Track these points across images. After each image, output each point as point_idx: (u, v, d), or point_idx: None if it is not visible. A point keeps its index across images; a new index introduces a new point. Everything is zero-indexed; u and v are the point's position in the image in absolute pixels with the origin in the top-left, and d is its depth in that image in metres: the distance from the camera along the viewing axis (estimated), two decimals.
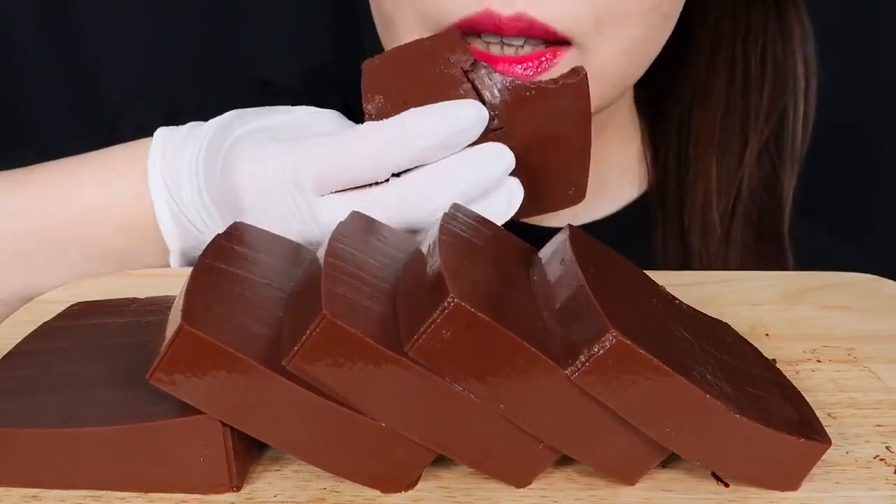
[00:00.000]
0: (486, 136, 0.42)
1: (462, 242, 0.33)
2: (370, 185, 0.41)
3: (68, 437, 0.31)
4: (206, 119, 0.46)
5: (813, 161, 0.64)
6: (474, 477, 0.32)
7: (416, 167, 0.41)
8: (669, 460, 0.32)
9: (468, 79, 0.43)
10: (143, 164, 0.46)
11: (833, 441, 0.31)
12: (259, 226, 0.41)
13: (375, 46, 0.52)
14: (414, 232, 0.41)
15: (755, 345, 0.38)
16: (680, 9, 0.50)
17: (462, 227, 0.35)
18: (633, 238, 0.59)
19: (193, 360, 0.29)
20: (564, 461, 0.32)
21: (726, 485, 0.32)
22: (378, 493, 0.31)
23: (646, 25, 0.47)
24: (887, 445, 0.34)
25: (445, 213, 0.35)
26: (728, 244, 0.58)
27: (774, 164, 0.59)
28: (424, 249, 0.33)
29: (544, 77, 0.45)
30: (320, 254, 0.33)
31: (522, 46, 0.46)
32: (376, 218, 0.39)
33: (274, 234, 0.39)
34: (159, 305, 0.40)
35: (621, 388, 0.29)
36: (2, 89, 0.78)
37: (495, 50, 0.46)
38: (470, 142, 0.41)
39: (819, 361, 0.40)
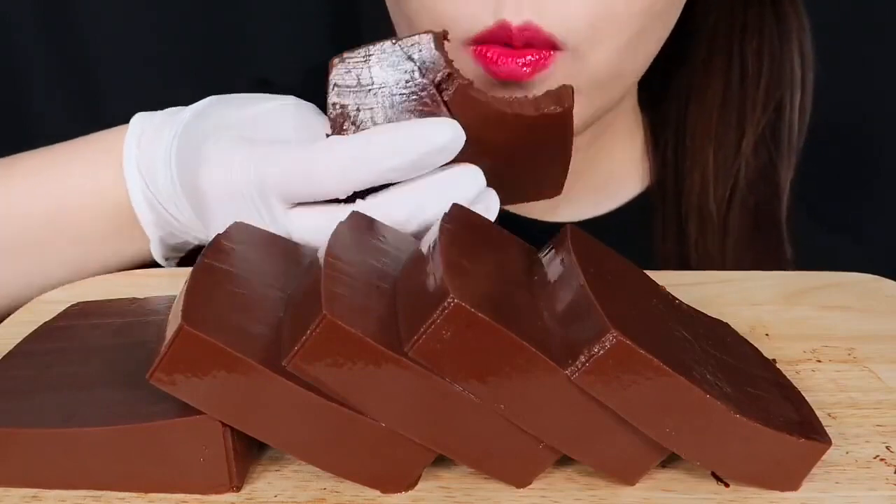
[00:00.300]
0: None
1: (462, 242, 0.33)
2: (338, 200, 0.40)
3: (68, 437, 0.31)
4: None
5: (814, 161, 0.64)
6: (474, 477, 0.32)
7: (386, 187, 0.40)
8: (669, 460, 0.32)
9: (441, 96, 0.41)
10: (120, 151, 0.46)
11: (833, 441, 0.31)
12: (223, 227, 0.41)
13: None
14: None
15: (755, 345, 0.38)
16: (679, 8, 0.50)
17: (462, 228, 0.35)
18: (635, 233, 0.59)
19: (193, 360, 0.29)
20: (564, 461, 0.32)
21: (726, 485, 0.32)
22: (378, 493, 0.31)
23: (637, 27, 0.47)
24: (887, 445, 0.34)
25: (445, 213, 0.35)
26: (725, 233, 0.58)
27: (771, 154, 0.59)
28: (424, 249, 0.33)
29: (538, 78, 0.45)
30: (320, 254, 0.33)
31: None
32: None
33: (274, 235, 0.39)
34: (159, 305, 0.40)
35: (621, 388, 0.29)
36: (2, 89, 0.78)
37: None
38: (443, 163, 0.40)
39: (819, 361, 0.40)
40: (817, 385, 0.38)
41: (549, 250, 0.35)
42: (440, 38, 0.41)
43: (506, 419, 0.30)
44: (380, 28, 0.54)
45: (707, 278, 0.48)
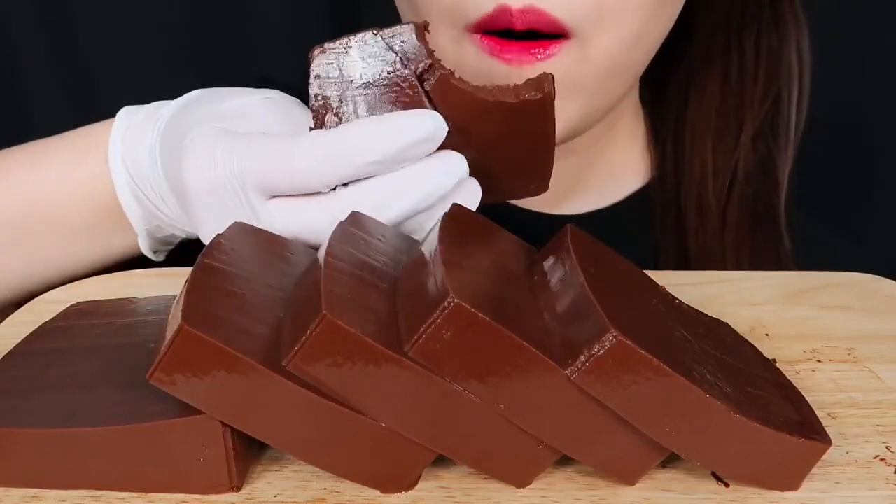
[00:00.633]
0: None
1: (462, 242, 0.33)
2: (317, 193, 0.40)
3: (68, 437, 0.31)
4: None
5: (814, 161, 0.64)
6: (474, 477, 0.32)
7: (366, 178, 0.40)
8: (669, 460, 0.32)
9: (423, 87, 0.40)
10: (105, 145, 0.46)
11: (833, 441, 0.31)
12: (207, 220, 0.41)
13: None
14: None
15: (755, 345, 0.38)
16: (681, 2, 0.51)
17: (462, 227, 0.35)
18: (637, 227, 0.59)
19: (193, 360, 0.29)
20: (564, 461, 0.32)
21: (726, 485, 0.32)
22: (378, 493, 0.31)
23: (645, 16, 0.47)
24: (887, 445, 0.34)
25: (445, 213, 0.35)
26: (724, 225, 0.58)
27: (769, 147, 0.60)
28: (424, 249, 0.33)
29: (545, 64, 0.45)
30: (320, 254, 0.33)
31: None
32: (317, 228, 0.39)
33: (274, 234, 0.39)
34: (159, 305, 0.40)
35: (621, 388, 0.29)
36: (2, 89, 0.78)
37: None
38: (424, 155, 0.40)
39: (819, 361, 0.40)
40: (817, 385, 0.38)
41: (549, 250, 0.35)
42: (421, 28, 0.41)
43: (506, 419, 0.30)
44: (381, 25, 0.54)
45: (707, 278, 0.48)
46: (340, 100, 0.41)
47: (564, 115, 0.48)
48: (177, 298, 0.31)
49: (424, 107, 0.40)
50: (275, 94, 0.46)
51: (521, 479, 0.31)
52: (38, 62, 0.78)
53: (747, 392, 0.32)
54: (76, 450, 0.31)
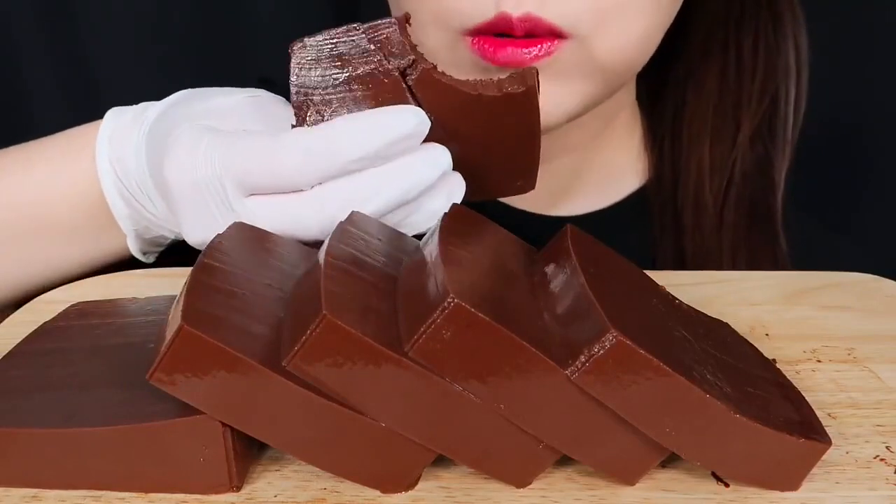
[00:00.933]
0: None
1: (462, 242, 0.33)
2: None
3: (68, 437, 0.31)
4: None
5: (814, 161, 0.64)
6: (474, 477, 0.32)
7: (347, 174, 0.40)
8: (669, 460, 0.32)
9: (405, 82, 0.40)
10: (93, 146, 0.46)
11: (833, 441, 0.31)
12: (189, 218, 0.41)
13: None
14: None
15: (755, 345, 0.38)
16: (679, 1, 0.51)
17: (462, 227, 0.35)
18: (634, 227, 0.59)
19: (193, 360, 0.29)
20: (564, 461, 0.32)
21: (726, 485, 0.32)
22: (378, 493, 0.31)
23: (645, 19, 0.47)
24: (887, 445, 0.34)
25: (445, 213, 0.35)
26: (721, 225, 0.58)
27: (766, 147, 0.60)
28: (424, 249, 0.33)
29: (546, 62, 0.45)
30: (320, 254, 0.33)
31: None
32: (300, 225, 0.39)
33: (274, 234, 0.39)
34: (159, 305, 0.40)
35: (621, 388, 0.29)
36: (2, 89, 0.78)
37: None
38: (407, 152, 0.40)
39: (819, 361, 0.40)
40: (817, 385, 0.38)
41: (549, 250, 0.35)
42: (403, 22, 0.40)
43: (506, 419, 0.30)
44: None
45: (706, 278, 0.48)
46: (322, 96, 0.41)
47: (561, 100, 0.48)
48: (177, 298, 0.31)
49: (407, 102, 0.40)
50: (260, 93, 0.46)
51: (521, 479, 0.31)
52: (38, 62, 0.77)
53: (747, 392, 0.32)
54: (76, 450, 0.31)
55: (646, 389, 0.29)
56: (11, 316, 0.44)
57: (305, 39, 0.40)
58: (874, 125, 0.78)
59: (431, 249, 0.32)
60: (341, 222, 0.36)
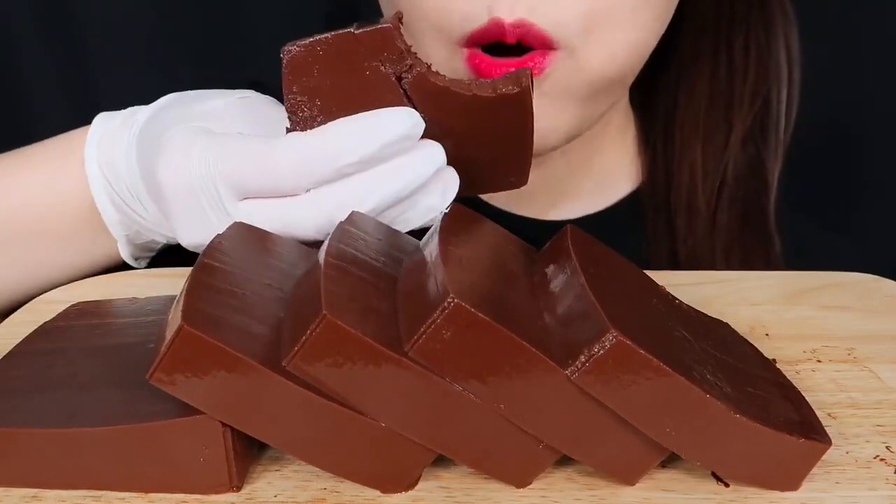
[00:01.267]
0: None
1: (462, 242, 0.33)
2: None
3: (68, 437, 0.31)
4: None
5: (814, 161, 0.64)
6: (474, 477, 0.32)
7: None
8: (669, 460, 0.32)
9: (401, 86, 0.40)
10: (82, 151, 0.46)
11: (833, 441, 0.31)
12: (183, 220, 0.41)
13: None
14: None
15: (755, 345, 0.38)
16: (673, 8, 0.51)
17: (462, 227, 0.35)
18: (628, 231, 0.59)
19: (193, 360, 0.29)
20: (564, 461, 0.32)
21: (726, 485, 0.32)
22: (378, 493, 0.31)
23: (635, 28, 0.47)
24: (887, 445, 0.34)
25: (445, 213, 0.35)
26: (714, 228, 0.58)
27: (759, 148, 0.59)
28: (424, 249, 0.33)
29: (539, 80, 0.46)
30: (320, 254, 0.33)
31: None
32: (296, 228, 0.39)
33: (274, 234, 0.39)
34: (159, 305, 0.40)
35: (621, 388, 0.29)
36: (2, 89, 0.78)
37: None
38: (402, 153, 0.40)
39: (819, 361, 0.40)
40: (817, 385, 0.38)
41: (549, 250, 0.35)
42: (396, 23, 0.40)
43: (506, 419, 0.30)
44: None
45: (706, 278, 0.48)
46: (316, 99, 0.40)
47: (558, 123, 0.48)
48: (177, 298, 0.31)
49: (402, 104, 0.40)
50: (251, 94, 0.46)
51: (521, 479, 0.31)
52: (38, 62, 0.77)
53: (747, 392, 0.32)
54: (76, 450, 0.31)
55: (646, 389, 0.29)
56: (11, 316, 0.44)
57: (298, 42, 0.40)
58: (874, 125, 0.78)
59: (431, 249, 0.32)
60: (341, 222, 0.36)
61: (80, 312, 0.41)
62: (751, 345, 0.38)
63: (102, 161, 0.45)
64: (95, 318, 0.40)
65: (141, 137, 0.44)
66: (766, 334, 0.42)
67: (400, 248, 0.36)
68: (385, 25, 0.40)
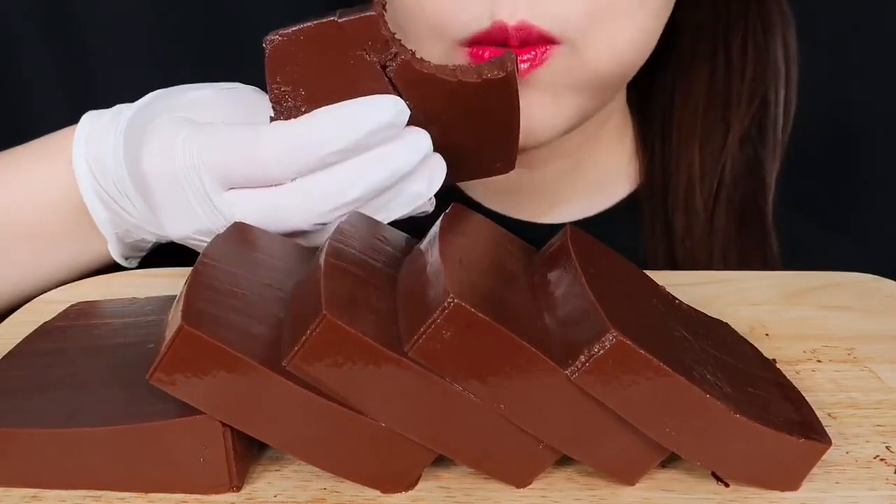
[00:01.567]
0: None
1: (462, 243, 0.33)
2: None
3: (68, 437, 0.31)
4: None
5: (814, 161, 0.64)
6: (474, 477, 0.32)
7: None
8: (669, 460, 0.32)
9: (385, 74, 0.40)
10: (70, 149, 0.46)
11: (833, 441, 0.31)
12: (169, 212, 0.41)
13: None
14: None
15: (755, 345, 0.38)
16: (672, 3, 0.51)
17: (462, 227, 0.35)
18: (626, 233, 0.59)
19: (193, 360, 0.29)
20: (564, 461, 0.32)
21: (726, 485, 0.32)
22: (378, 493, 0.31)
23: (637, 24, 0.47)
24: (887, 445, 0.34)
25: (445, 213, 0.35)
26: (712, 229, 0.58)
27: (757, 149, 0.59)
28: (424, 249, 0.33)
29: (541, 71, 0.46)
30: (320, 254, 0.33)
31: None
32: (282, 217, 0.39)
33: (274, 234, 0.39)
34: (159, 305, 0.40)
35: (621, 388, 0.29)
36: (2, 89, 0.78)
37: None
38: (387, 140, 0.40)
39: (819, 361, 0.40)
40: (817, 385, 0.38)
41: (549, 250, 0.35)
42: (381, 11, 0.40)
43: (506, 419, 0.30)
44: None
45: (706, 278, 0.48)
46: (300, 88, 0.40)
47: (556, 115, 0.48)
48: (177, 298, 0.31)
49: (387, 92, 0.40)
50: (236, 85, 0.46)
51: (521, 479, 0.31)
52: (38, 62, 0.77)
53: (747, 392, 0.32)
54: (76, 450, 0.31)
55: (646, 389, 0.29)
56: (11, 316, 0.44)
57: (280, 32, 0.40)
58: (874, 125, 0.78)
59: (431, 249, 0.32)
60: (341, 222, 0.36)
61: (80, 312, 0.41)
62: (751, 345, 0.38)
63: (90, 158, 0.45)
64: (95, 318, 0.40)
65: (128, 130, 0.44)
66: (766, 334, 0.42)
67: (400, 248, 0.36)
68: (369, 14, 0.39)
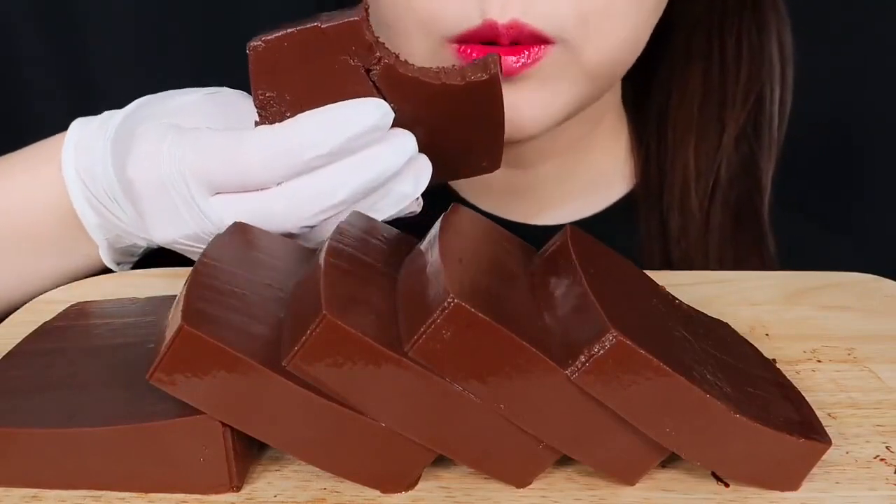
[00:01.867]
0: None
1: (462, 243, 0.33)
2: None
3: (68, 437, 0.31)
4: None
5: (813, 160, 0.64)
6: (474, 477, 0.32)
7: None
8: (669, 460, 0.32)
9: (370, 77, 0.40)
10: (59, 156, 0.46)
11: (833, 441, 0.31)
12: (156, 217, 0.41)
13: None
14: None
15: (755, 345, 0.38)
16: (664, 2, 0.51)
17: (462, 228, 0.35)
18: (622, 234, 0.59)
19: (193, 360, 0.29)
20: (564, 461, 0.32)
21: (726, 485, 0.32)
22: (378, 493, 0.31)
23: (630, 21, 0.47)
24: (887, 445, 0.34)
25: (445, 213, 0.35)
26: (707, 228, 0.58)
27: (752, 148, 0.59)
28: (424, 249, 0.33)
29: (534, 69, 0.46)
30: (320, 254, 0.33)
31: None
32: (269, 222, 0.39)
33: (274, 234, 0.39)
34: (159, 305, 0.40)
35: (621, 388, 0.29)
36: (2, 89, 0.78)
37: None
38: (372, 143, 0.40)
39: (819, 361, 0.40)
40: (817, 385, 0.38)
41: (549, 250, 0.35)
42: (364, 15, 0.40)
43: (506, 419, 0.30)
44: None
45: (706, 278, 0.48)
46: (285, 93, 0.40)
47: (548, 107, 0.48)
48: (177, 298, 0.31)
49: (371, 95, 0.40)
50: (223, 89, 0.46)
51: (521, 479, 0.31)
52: (38, 62, 0.77)
53: (747, 392, 0.32)
54: (76, 450, 0.31)
55: (646, 389, 0.29)
56: (11, 316, 0.44)
57: (263, 37, 0.40)
58: (874, 124, 0.78)
59: (431, 249, 0.32)
60: (341, 222, 0.36)
61: (80, 312, 0.41)
62: (751, 345, 0.38)
63: (80, 165, 0.45)
64: (95, 318, 0.40)
65: (115, 137, 0.44)
66: (766, 334, 0.42)
67: (400, 248, 0.36)
68: (352, 19, 0.39)
